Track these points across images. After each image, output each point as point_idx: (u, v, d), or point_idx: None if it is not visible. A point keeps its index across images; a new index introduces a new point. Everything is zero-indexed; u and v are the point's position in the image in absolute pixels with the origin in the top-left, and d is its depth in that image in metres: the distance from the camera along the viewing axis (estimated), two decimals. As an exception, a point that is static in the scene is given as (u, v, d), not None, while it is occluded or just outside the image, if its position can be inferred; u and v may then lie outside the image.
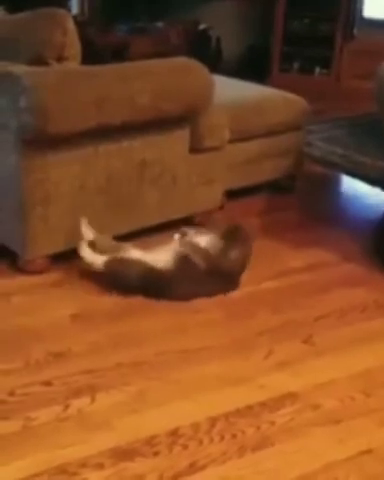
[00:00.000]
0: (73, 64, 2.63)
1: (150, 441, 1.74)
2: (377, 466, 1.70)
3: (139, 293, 2.39)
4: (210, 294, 2.41)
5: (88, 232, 2.47)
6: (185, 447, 1.73)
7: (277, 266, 2.64)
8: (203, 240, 2.43)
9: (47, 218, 2.45)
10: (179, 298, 2.38)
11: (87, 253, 2.44)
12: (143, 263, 2.38)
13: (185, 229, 2.48)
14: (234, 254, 2.44)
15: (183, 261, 2.38)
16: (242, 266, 2.48)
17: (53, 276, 2.52)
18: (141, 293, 2.40)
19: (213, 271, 2.39)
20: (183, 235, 2.44)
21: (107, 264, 2.40)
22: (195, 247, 2.40)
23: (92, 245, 2.46)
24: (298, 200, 3.46)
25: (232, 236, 2.47)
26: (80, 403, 1.87)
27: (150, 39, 5.19)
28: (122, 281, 2.40)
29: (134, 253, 2.43)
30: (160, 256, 2.40)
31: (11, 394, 1.89)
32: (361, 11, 5.57)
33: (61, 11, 2.62)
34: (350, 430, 1.81)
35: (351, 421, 1.85)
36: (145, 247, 2.48)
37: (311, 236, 2.97)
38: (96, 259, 2.43)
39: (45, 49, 2.51)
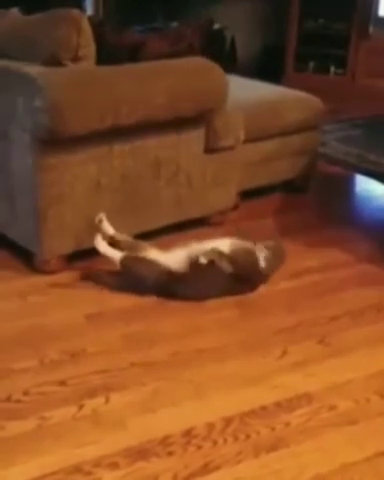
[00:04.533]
0: (88, 64, 2.63)
1: (164, 441, 1.74)
2: (393, 468, 1.69)
3: (152, 293, 2.40)
4: (226, 295, 2.40)
5: (108, 227, 2.48)
6: (199, 447, 1.72)
7: (291, 266, 2.63)
8: (224, 244, 2.41)
9: (62, 218, 2.46)
10: (194, 299, 2.37)
11: (103, 247, 2.45)
12: (159, 264, 2.38)
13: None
14: (266, 266, 2.43)
15: (207, 264, 2.36)
16: (267, 278, 2.49)
17: (68, 276, 2.52)
18: (155, 293, 2.40)
19: (239, 276, 2.39)
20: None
21: (123, 261, 2.41)
22: (219, 254, 2.37)
23: (111, 240, 2.46)
24: (313, 200, 3.45)
25: (273, 250, 2.47)
26: (94, 403, 1.87)
27: (165, 39, 5.18)
28: (137, 280, 2.40)
29: (151, 253, 2.43)
30: (178, 257, 2.39)
31: (26, 394, 1.90)
32: (376, 10, 5.54)
33: (76, 11, 2.62)
34: (366, 431, 1.80)
35: (367, 422, 1.84)
36: (160, 247, 2.48)
37: (325, 236, 2.96)
38: (113, 254, 2.43)
39: (60, 50, 2.52)
